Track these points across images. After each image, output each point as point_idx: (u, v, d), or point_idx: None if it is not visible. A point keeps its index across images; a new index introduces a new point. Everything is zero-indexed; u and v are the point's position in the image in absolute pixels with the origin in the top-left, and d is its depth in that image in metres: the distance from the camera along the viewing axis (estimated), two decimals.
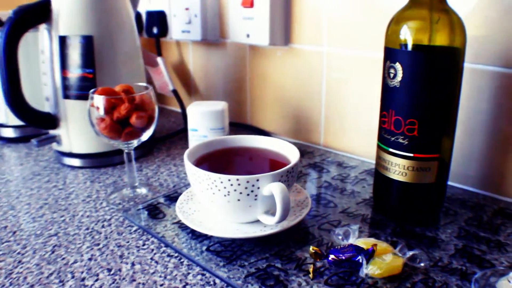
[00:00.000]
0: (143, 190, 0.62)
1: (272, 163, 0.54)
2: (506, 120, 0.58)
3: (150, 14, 0.88)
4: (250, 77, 0.89)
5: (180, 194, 0.60)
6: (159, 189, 0.63)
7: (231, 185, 0.45)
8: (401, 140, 0.50)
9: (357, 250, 0.43)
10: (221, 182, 0.45)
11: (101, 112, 0.55)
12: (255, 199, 0.46)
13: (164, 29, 0.89)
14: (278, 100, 0.85)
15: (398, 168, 0.51)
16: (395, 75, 0.48)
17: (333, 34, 0.73)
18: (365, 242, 0.46)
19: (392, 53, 0.48)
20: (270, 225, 0.48)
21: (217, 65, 0.94)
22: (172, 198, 0.60)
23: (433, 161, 0.50)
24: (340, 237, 0.48)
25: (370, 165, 0.71)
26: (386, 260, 0.43)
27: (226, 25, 0.89)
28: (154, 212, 0.56)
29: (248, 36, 0.80)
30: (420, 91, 0.47)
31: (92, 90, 0.56)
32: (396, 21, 0.49)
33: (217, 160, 0.55)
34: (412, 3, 0.48)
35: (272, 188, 0.45)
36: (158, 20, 0.88)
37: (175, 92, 0.94)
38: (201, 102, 0.73)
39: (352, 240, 0.47)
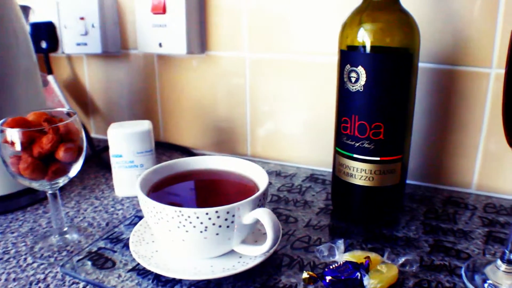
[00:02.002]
0: (74, 236, 0.52)
1: (238, 185, 0.49)
2: (436, 114, 0.61)
3: (36, 26, 0.75)
4: (160, 90, 0.81)
5: (120, 233, 0.52)
6: (92, 231, 0.54)
7: (209, 219, 0.39)
8: (366, 145, 0.48)
9: (354, 266, 0.41)
10: (197, 218, 0.39)
11: (18, 148, 0.45)
12: (234, 230, 0.41)
13: (54, 43, 0.77)
14: (196, 112, 0.79)
15: (365, 173, 0.49)
16: (357, 79, 0.47)
17: (254, 38, 0.70)
18: (354, 256, 0.44)
19: (353, 57, 0.46)
20: (249, 255, 0.43)
21: (120, 80, 0.85)
22: (114, 240, 0.51)
23: (397, 162, 0.50)
24: (325, 254, 0.45)
25: (308, 171, 0.70)
26: (384, 271, 0.41)
27: (130, 34, 0.80)
28: (99, 260, 0.47)
29: (160, 45, 0.73)
30: (385, 94, 0.46)
31: (0, 122, 0.45)
32: (352, 24, 0.47)
33: (174, 190, 0.48)
34: (366, 4, 0.47)
35: (258, 215, 0.40)
36: (46, 32, 0.75)
37: None
38: (121, 123, 0.64)
39: (339, 256, 0.44)
